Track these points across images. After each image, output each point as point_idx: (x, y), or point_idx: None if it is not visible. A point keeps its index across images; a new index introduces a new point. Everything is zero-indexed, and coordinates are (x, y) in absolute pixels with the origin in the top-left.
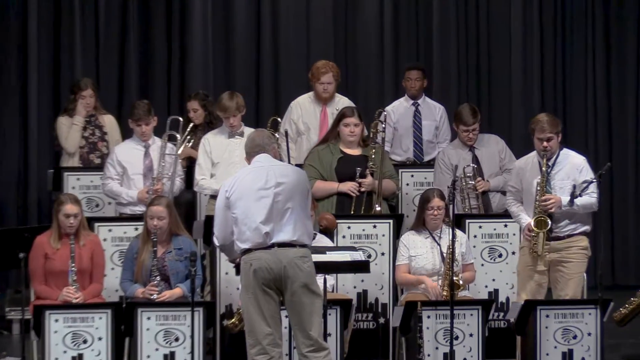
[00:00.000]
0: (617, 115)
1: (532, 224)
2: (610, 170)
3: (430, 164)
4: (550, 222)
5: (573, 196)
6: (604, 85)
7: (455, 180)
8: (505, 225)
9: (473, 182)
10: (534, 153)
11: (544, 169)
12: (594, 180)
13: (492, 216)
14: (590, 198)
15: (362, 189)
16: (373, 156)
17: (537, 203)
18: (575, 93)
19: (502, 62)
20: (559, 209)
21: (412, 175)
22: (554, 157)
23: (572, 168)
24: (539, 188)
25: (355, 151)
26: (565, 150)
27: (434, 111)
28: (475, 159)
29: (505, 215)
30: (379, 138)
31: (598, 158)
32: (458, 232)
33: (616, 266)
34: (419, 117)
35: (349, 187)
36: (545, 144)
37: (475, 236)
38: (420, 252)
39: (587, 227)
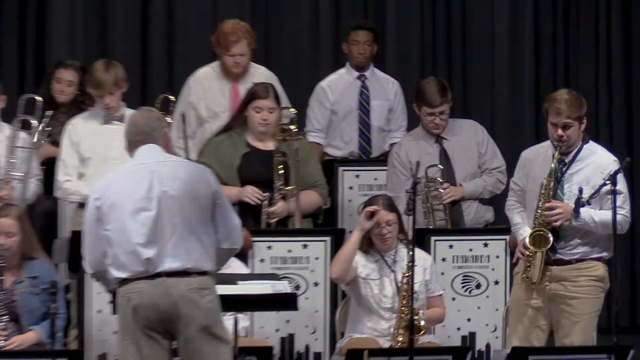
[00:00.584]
0: None
1: (528, 239)
2: (630, 169)
3: (381, 160)
4: (551, 239)
5: (578, 204)
6: (620, 54)
7: (417, 182)
8: (486, 245)
9: (440, 188)
10: (548, 143)
11: (553, 165)
12: (606, 182)
13: (468, 232)
14: (613, 213)
15: (272, 220)
16: (290, 150)
17: (538, 212)
18: (583, 65)
19: (483, 21)
20: (567, 222)
21: (358, 176)
22: (574, 151)
23: (596, 169)
24: (543, 191)
25: (268, 145)
26: (591, 145)
27: (386, 87)
28: (444, 154)
29: (486, 230)
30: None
31: (613, 152)
32: (420, 254)
33: (638, 301)
34: (366, 95)
35: (246, 193)
36: (560, 131)
37: (444, 259)
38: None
39: (605, 253)
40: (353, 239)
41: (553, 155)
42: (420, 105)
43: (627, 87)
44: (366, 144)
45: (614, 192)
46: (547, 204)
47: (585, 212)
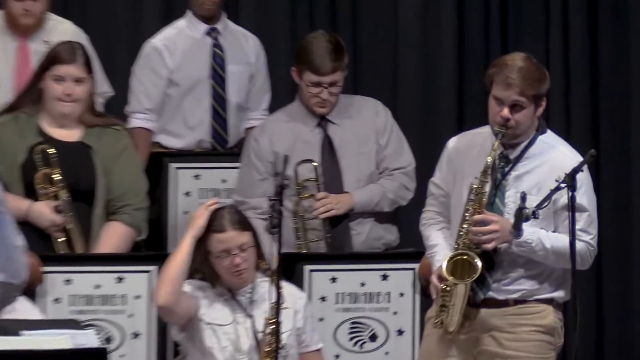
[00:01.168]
0: (609, 77)
1: (445, 266)
2: (596, 164)
3: (234, 154)
4: (479, 266)
5: (519, 219)
6: (583, 20)
7: (284, 185)
8: (385, 277)
9: (315, 195)
10: (486, 129)
11: (489, 159)
12: (561, 185)
13: (359, 258)
14: (571, 237)
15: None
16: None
17: (464, 227)
18: (528, 30)
19: None
20: (505, 245)
21: (198, 176)
22: (524, 143)
23: (553, 172)
24: (473, 196)
25: (72, 133)
26: (549, 137)
27: (245, 46)
28: (328, 145)
29: (386, 257)
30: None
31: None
32: (290, 291)
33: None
34: (220, 58)
35: (39, 215)
36: (506, 112)
37: (323, 299)
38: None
39: (560, 292)
40: (183, 249)
41: (492, 146)
42: (302, 70)
43: (592, 60)
44: (222, 129)
45: (571, 203)
46: (477, 216)
47: (532, 233)
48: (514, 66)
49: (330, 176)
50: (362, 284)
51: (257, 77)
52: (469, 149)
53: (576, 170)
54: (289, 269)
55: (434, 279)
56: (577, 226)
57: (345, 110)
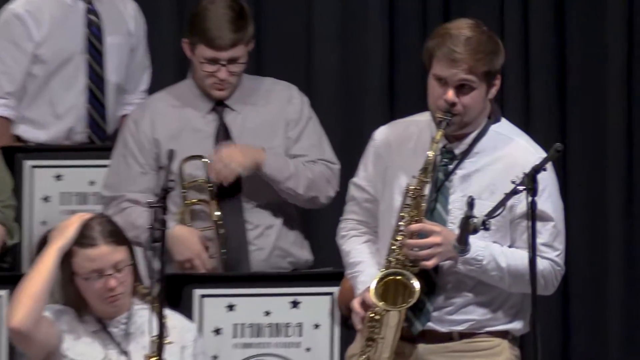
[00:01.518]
0: (578, 61)
1: (373, 288)
2: (564, 161)
3: (107, 148)
4: (417, 290)
5: (465, 230)
6: None
7: (168, 188)
8: (296, 305)
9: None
10: (425, 116)
11: (431, 154)
12: (518, 188)
13: (262, 280)
14: (531, 253)
15: None
16: None
17: (397, 240)
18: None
19: None
20: (449, 262)
21: (60, 177)
22: (473, 134)
23: (509, 171)
24: (409, 201)
25: None
26: (504, 127)
27: (123, 11)
28: (224, 136)
29: (296, 278)
30: None
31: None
32: (176, 322)
33: None
34: (96, 28)
35: None
36: (451, 94)
37: (218, 331)
38: None
39: (517, 323)
40: (46, 263)
41: (433, 137)
42: (195, 43)
43: (557, 42)
44: (99, 116)
45: (531, 210)
46: (414, 226)
47: (483, 248)
48: (460, 36)
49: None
50: (267, 313)
51: (137, 51)
52: (402, 142)
53: (537, 169)
54: (175, 293)
55: (356, 305)
56: (540, 240)
57: (249, 94)
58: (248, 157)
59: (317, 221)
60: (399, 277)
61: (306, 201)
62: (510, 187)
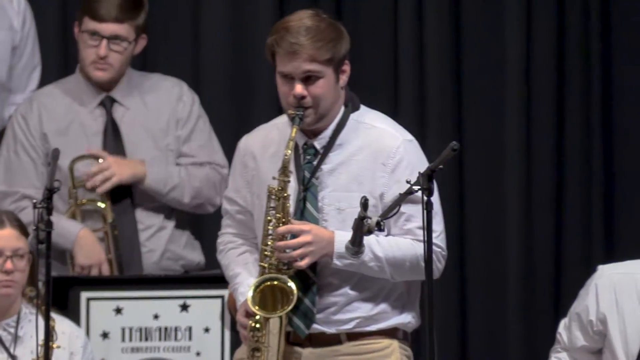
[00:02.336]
0: (475, 54)
1: (250, 297)
2: (459, 159)
3: None
4: (294, 292)
5: (359, 232)
6: None
7: (53, 189)
8: (185, 308)
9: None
10: (284, 118)
11: (288, 152)
12: (413, 189)
13: (150, 283)
14: (409, 243)
15: None
16: None
17: (267, 245)
18: None
19: None
20: (326, 260)
21: None
22: (332, 126)
23: (376, 159)
24: (273, 204)
25: None
26: (363, 114)
27: (7, 7)
28: (112, 132)
29: (186, 280)
30: None
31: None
32: (64, 327)
33: None
34: None
35: None
36: (298, 87)
37: (106, 335)
38: None
39: (407, 316)
40: None
41: (290, 135)
42: (81, 18)
43: (454, 35)
44: None
45: (427, 211)
46: (281, 228)
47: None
48: (300, 27)
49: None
50: (156, 317)
51: (24, 49)
52: (264, 149)
53: (433, 168)
54: (61, 296)
55: (241, 317)
56: (415, 224)
57: (138, 89)
58: (127, 170)
59: (209, 222)
60: (275, 283)
61: (193, 208)
62: (379, 175)
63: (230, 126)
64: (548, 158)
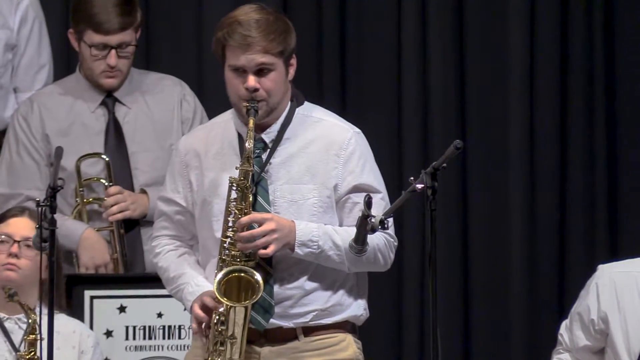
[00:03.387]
0: (477, 47)
1: (215, 289)
2: (462, 159)
3: None
4: (260, 283)
5: (363, 229)
6: None
7: (56, 187)
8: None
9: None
10: (223, 117)
11: (249, 142)
12: (416, 186)
13: (154, 282)
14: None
15: None
16: None
17: (227, 238)
18: None
19: None
20: (286, 251)
21: None
22: (280, 119)
23: (327, 151)
24: (235, 194)
25: None
26: (308, 109)
27: (3, 7)
28: (115, 132)
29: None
30: None
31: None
32: (72, 326)
33: None
34: None
35: None
36: (251, 80)
37: (109, 333)
38: None
39: (357, 309)
40: None
41: (248, 125)
42: (82, 30)
43: (457, 26)
44: None
45: (430, 210)
46: (243, 219)
47: (317, 228)
48: (250, 21)
49: (115, 175)
50: (159, 315)
51: (25, 48)
52: (207, 147)
53: (437, 166)
54: (65, 294)
55: (198, 311)
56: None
57: (139, 88)
58: (141, 207)
59: None
60: (240, 274)
61: None
62: (332, 167)
63: None
64: (551, 158)
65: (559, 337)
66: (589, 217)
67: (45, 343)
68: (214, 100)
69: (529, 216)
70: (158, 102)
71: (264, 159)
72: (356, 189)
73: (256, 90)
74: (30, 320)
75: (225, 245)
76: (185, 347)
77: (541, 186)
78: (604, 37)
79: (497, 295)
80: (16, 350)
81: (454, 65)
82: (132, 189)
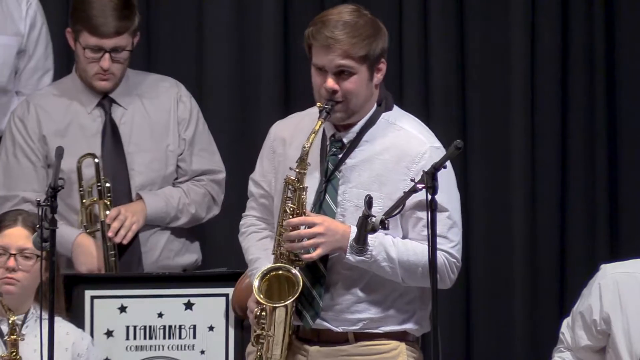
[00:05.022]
0: (477, 47)
1: (256, 285)
2: (464, 159)
3: None
4: (300, 281)
5: (363, 229)
6: None
7: (57, 187)
8: (189, 306)
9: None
10: (314, 110)
11: (307, 144)
12: (418, 187)
13: (155, 281)
14: (425, 249)
15: None
16: None
17: (280, 235)
18: None
19: None
20: (337, 254)
21: None
22: (361, 122)
23: (399, 161)
24: (289, 194)
25: None
26: (395, 114)
27: (13, 12)
28: (111, 133)
29: (188, 279)
30: None
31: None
32: (66, 328)
33: None
34: None
35: None
36: (330, 81)
37: (110, 333)
38: None
39: (415, 322)
40: None
41: (314, 127)
42: (78, 31)
43: (459, 34)
44: None
45: (431, 208)
46: (293, 219)
47: (374, 237)
48: (338, 22)
49: (112, 175)
50: (160, 315)
51: (33, 52)
52: (294, 136)
53: (437, 167)
54: (65, 294)
55: (252, 303)
56: (436, 230)
57: (136, 89)
58: (140, 215)
59: (211, 220)
60: (281, 272)
61: (191, 225)
62: (401, 179)
63: (234, 129)
64: (553, 157)
65: (560, 336)
66: (590, 216)
67: (45, 343)
68: (213, 100)
69: (530, 216)
70: (154, 103)
71: (339, 158)
72: (421, 205)
73: (335, 92)
74: (10, 321)
75: (277, 240)
76: (186, 347)
77: (542, 186)
78: (605, 37)
79: (497, 294)
80: (5, 344)
81: (455, 65)
82: (129, 189)
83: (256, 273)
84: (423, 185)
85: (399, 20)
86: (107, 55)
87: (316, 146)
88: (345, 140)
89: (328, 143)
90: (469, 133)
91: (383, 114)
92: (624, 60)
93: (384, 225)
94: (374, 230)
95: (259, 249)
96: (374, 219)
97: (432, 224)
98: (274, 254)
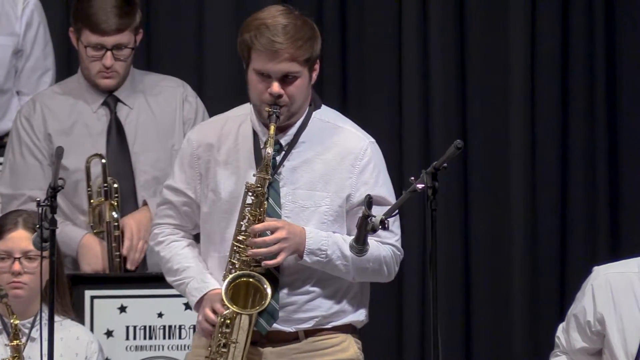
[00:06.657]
0: (477, 44)
1: (223, 293)
2: (463, 159)
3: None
4: (269, 291)
5: (364, 229)
6: None
7: (57, 187)
8: (189, 306)
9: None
10: (241, 110)
11: (269, 150)
12: (417, 187)
13: (155, 281)
14: (375, 245)
15: None
16: None
17: (238, 242)
18: None
19: None
20: (294, 258)
21: None
22: (296, 125)
23: (342, 159)
24: (249, 201)
25: None
26: (325, 113)
27: (9, 12)
28: (117, 132)
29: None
30: None
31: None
32: (74, 331)
33: None
34: None
35: None
36: (276, 86)
37: (110, 333)
38: None
39: (360, 315)
40: None
41: (269, 132)
42: (80, 29)
43: (458, 23)
44: None
45: (431, 210)
46: (257, 226)
47: (326, 237)
48: (276, 26)
49: (117, 175)
50: (160, 315)
51: (31, 51)
52: (221, 140)
53: (437, 166)
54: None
55: (208, 312)
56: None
57: (141, 88)
58: (145, 229)
59: None
60: (249, 280)
61: None
62: (346, 176)
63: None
64: (553, 157)
65: (556, 340)
66: (590, 217)
67: (45, 343)
68: (214, 100)
69: (530, 216)
70: (160, 102)
71: (277, 161)
72: (367, 203)
73: (280, 96)
74: (13, 325)
75: (235, 249)
76: (186, 347)
77: (542, 186)
78: (605, 37)
79: (498, 295)
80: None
81: (455, 65)
82: (133, 189)
83: (192, 283)
84: (423, 185)
85: (399, 21)
86: (109, 53)
87: (247, 150)
88: (283, 143)
89: (269, 143)
90: (469, 133)
91: (314, 113)
92: (624, 63)
93: (383, 225)
94: (374, 230)
95: (185, 258)
96: (373, 219)
97: (432, 225)
98: (230, 260)
